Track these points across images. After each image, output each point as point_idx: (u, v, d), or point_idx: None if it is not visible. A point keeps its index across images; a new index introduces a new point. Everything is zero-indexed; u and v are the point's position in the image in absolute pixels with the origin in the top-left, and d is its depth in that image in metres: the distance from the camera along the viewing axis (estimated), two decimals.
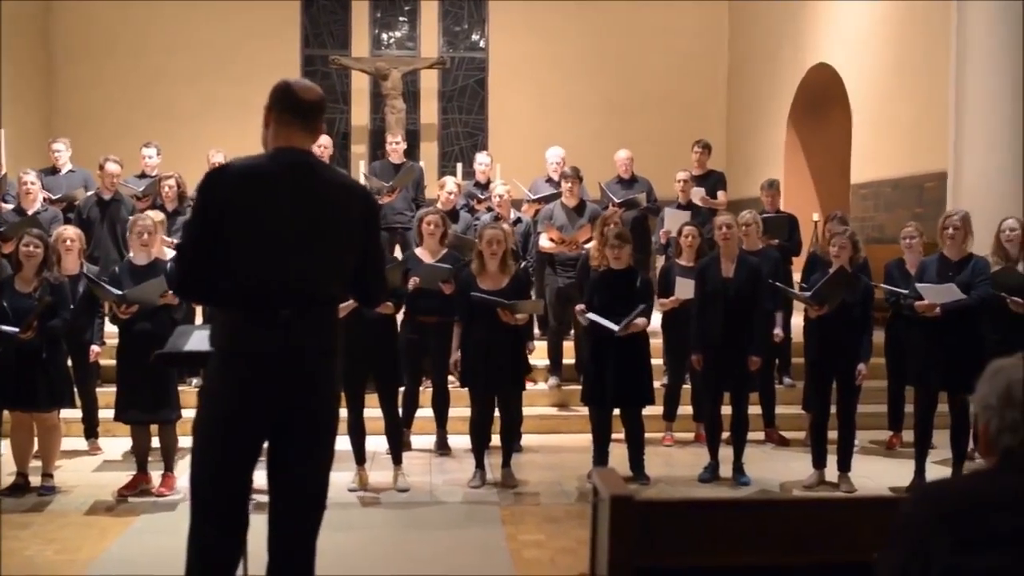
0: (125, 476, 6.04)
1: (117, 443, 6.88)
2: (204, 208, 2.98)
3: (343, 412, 6.09)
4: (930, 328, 6.02)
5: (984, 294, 5.97)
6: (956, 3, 8.41)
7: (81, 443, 6.94)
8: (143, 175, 8.95)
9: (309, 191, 3.00)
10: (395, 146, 9.23)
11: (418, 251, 6.77)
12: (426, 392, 7.17)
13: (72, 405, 6.34)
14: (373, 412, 6.18)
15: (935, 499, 1.97)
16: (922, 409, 6.18)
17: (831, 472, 6.22)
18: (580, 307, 6.35)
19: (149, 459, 6.00)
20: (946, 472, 6.09)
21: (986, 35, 8.08)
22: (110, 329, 7.01)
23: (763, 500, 4.92)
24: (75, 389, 6.40)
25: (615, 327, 6.03)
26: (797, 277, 7.45)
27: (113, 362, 6.20)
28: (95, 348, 6.63)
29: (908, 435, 6.71)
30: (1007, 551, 1.82)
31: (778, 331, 7.31)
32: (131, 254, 6.31)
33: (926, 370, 6.06)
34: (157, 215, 6.74)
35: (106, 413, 6.83)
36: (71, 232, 6.66)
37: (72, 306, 6.17)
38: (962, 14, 8.30)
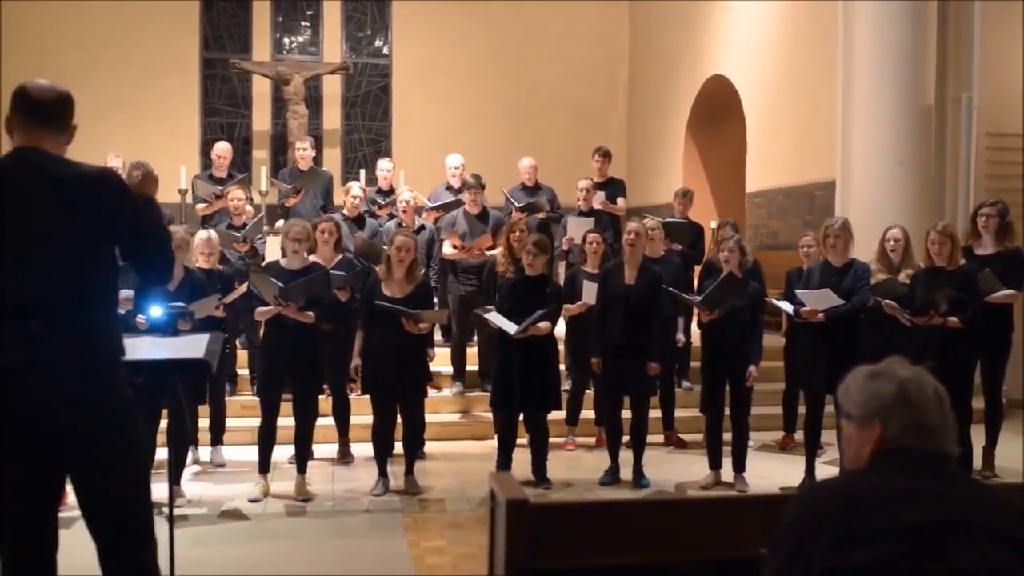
0: None
1: None
2: None
3: (256, 420, 6.08)
4: (814, 333, 6.22)
5: (863, 299, 6.21)
6: (842, 15, 8.72)
7: None
8: None
9: (33, 191, 2.83)
10: (303, 152, 9.04)
11: (312, 258, 6.69)
12: (327, 400, 7.12)
13: None
14: (282, 421, 6.12)
15: (816, 499, 2.02)
16: (810, 411, 6.37)
17: (727, 472, 6.39)
18: (486, 307, 6.36)
19: None
20: (836, 471, 6.33)
21: (870, 48, 8.35)
22: None
23: (654, 500, 5.01)
24: None
25: (512, 329, 6.09)
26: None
27: None
28: None
29: (802, 435, 6.93)
30: (884, 546, 1.86)
31: (680, 336, 7.51)
32: None
33: (810, 373, 6.25)
34: None
35: None
36: None
37: None
38: (847, 26, 8.61)
